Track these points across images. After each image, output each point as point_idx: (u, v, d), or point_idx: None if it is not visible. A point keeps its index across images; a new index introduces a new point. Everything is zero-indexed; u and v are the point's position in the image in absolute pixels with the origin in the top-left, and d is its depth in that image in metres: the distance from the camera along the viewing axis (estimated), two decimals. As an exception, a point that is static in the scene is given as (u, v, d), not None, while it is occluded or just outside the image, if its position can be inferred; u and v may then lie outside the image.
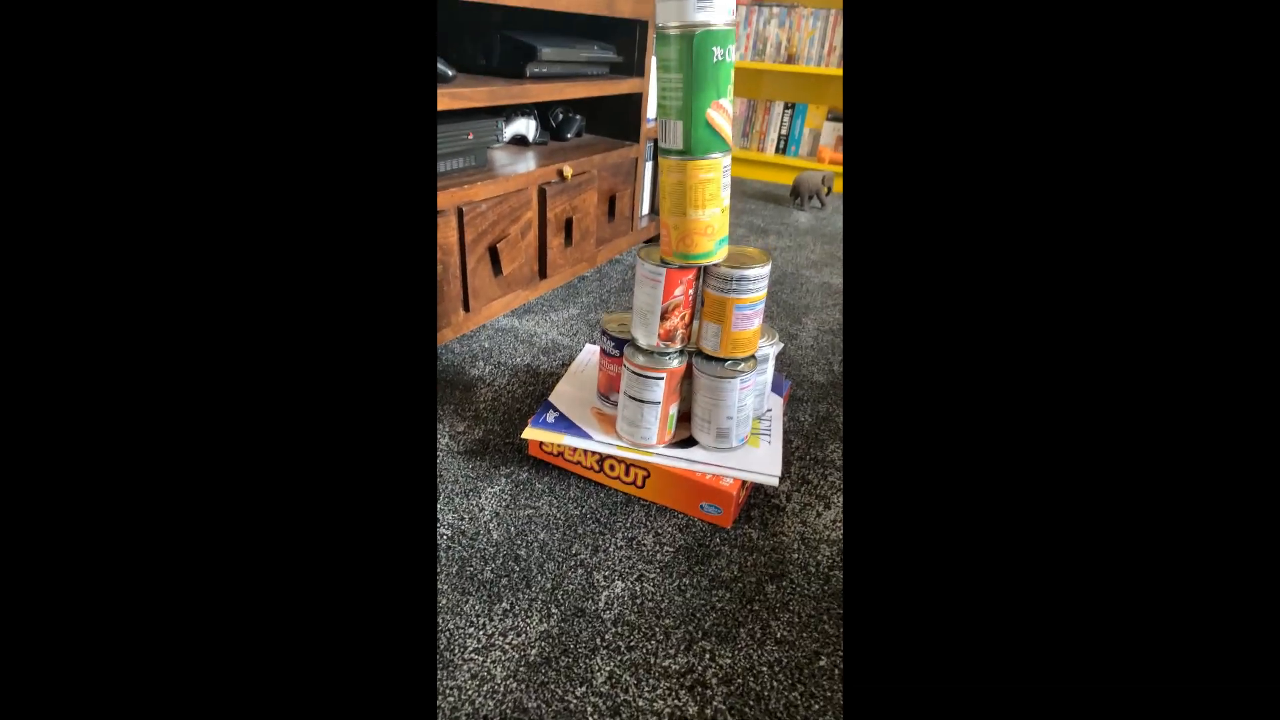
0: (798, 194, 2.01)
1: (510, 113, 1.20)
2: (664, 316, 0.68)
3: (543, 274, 1.17)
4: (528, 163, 1.10)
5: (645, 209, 1.48)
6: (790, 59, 2.25)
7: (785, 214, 1.97)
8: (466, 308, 1.01)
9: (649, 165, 1.43)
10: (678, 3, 0.52)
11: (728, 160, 0.60)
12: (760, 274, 0.65)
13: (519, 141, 1.26)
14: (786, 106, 2.35)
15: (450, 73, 0.90)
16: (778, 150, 2.42)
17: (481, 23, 1.13)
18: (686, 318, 0.70)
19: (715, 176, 0.60)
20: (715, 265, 0.65)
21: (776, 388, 0.87)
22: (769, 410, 0.82)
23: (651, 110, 1.38)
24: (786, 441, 0.85)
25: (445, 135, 0.94)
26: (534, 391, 0.93)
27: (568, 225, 1.18)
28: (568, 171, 1.12)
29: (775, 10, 2.22)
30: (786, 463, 0.81)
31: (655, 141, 1.38)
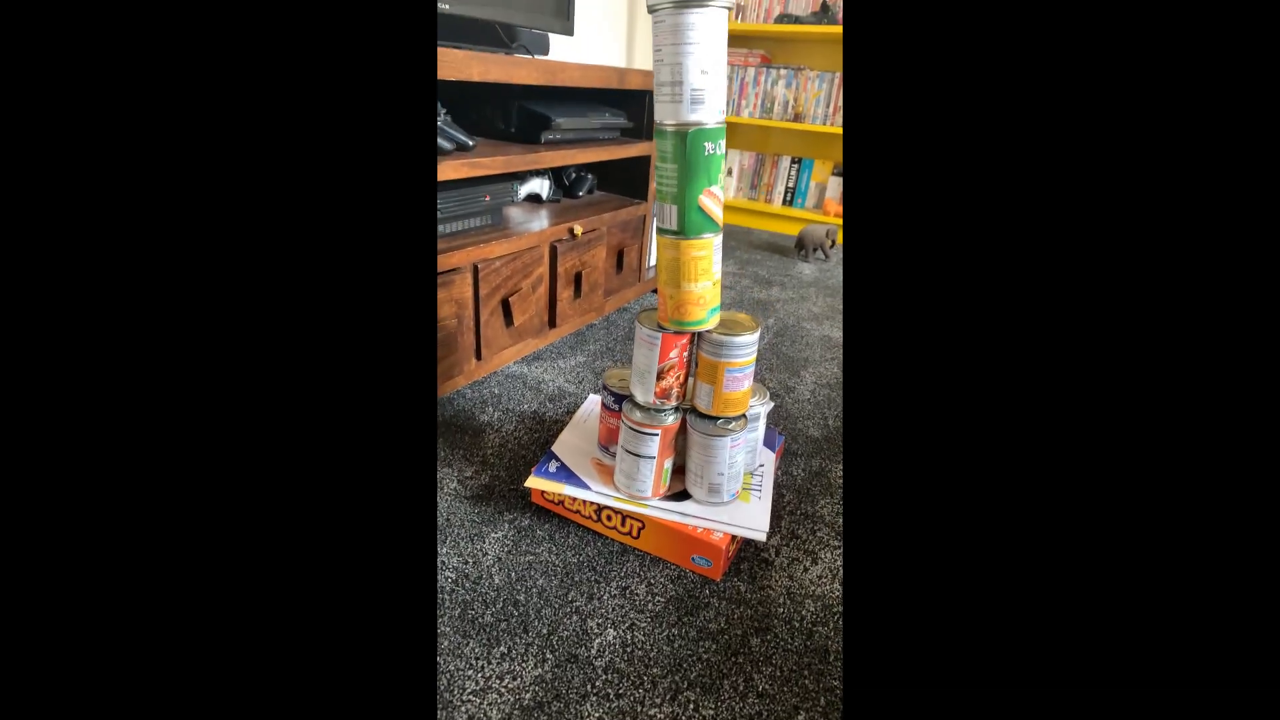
0: (802, 246, 2.07)
1: (525, 173, 1.28)
2: (660, 376, 0.73)
3: (552, 324, 1.23)
4: (541, 221, 1.17)
5: (652, 260, 1.55)
6: (797, 117, 2.34)
7: (790, 265, 2.04)
8: (479, 356, 1.06)
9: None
10: (674, 104, 0.59)
11: (718, 239, 0.66)
12: (749, 340, 0.70)
13: (533, 199, 1.34)
14: (794, 160, 2.44)
15: (471, 142, 0.98)
16: (785, 202, 2.50)
17: (502, 93, 1.22)
18: (681, 377, 0.75)
19: (707, 254, 0.65)
20: (708, 331, 0.71)
21: (770, 443, 0.91)
22: (761, 465, 0.86)
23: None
24: (778, 496, 0.89)
25: (463, 198, 1.01)
26: (539, 438, 0.98)
27: (577, 279, 1.25)
28: (578, 230, 1.19)
29: (783, 72, 2.33)
30: (777, 517, 0.84)
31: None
